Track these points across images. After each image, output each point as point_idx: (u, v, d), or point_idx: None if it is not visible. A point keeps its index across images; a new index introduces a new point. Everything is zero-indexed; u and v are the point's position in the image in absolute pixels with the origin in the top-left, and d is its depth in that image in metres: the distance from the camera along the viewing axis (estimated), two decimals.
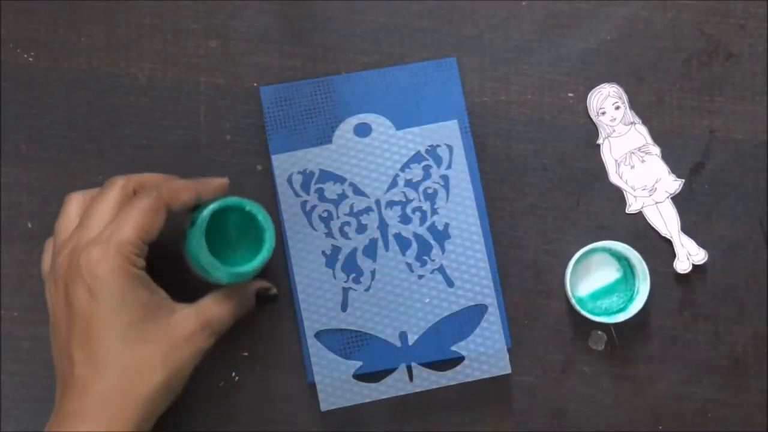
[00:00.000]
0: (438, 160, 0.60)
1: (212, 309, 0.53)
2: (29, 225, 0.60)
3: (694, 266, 0.60)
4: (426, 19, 0.61)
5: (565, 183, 0.61)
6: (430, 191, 0.60)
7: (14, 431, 0.60)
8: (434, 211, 0.59)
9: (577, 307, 0.58)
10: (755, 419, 0.60)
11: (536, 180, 0.61)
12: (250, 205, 0.53)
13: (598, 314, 0.59)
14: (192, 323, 0.51)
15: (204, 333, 0.52)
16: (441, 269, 0.59)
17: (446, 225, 0.59)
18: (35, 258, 0.60)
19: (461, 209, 0.59)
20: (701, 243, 0.61)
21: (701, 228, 0.61)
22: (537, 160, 0.61)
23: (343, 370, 0.58)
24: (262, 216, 0.53)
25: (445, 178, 0.60)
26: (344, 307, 0.59)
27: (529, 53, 0.62)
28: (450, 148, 0.60)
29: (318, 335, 0.58)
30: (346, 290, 0.59)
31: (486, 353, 0.58)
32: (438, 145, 0.60)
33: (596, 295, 0.60)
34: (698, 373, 0.61)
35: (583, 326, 0.60)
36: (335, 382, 0.58)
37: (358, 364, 0.58)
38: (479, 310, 0.59)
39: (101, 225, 0.50)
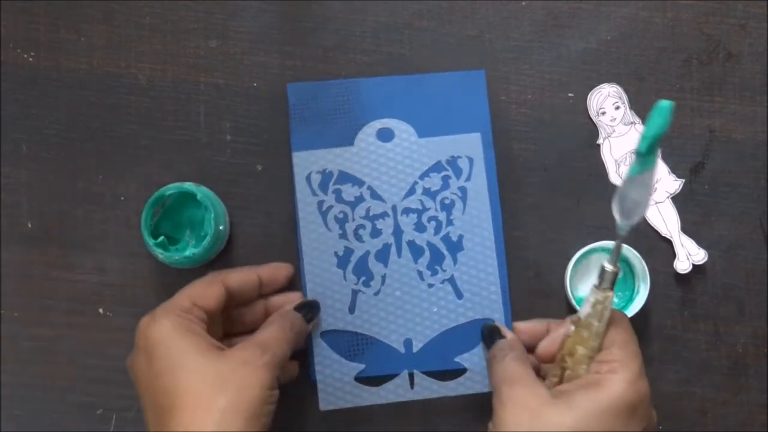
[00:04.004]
0: (458, 172, 0.59)
1: (259, 334, 0.53)
2: (29, 225, 0.60)
3: (694, 266, 0.60)
4: (426, 19, 0.61)
5: (565, 183, 0.61)
6: (447, 202, 0.59)
7: (14, 431, 0.60)
8: (449, 222, 0.59)
9: (578, 307, 0.58)
10: (755, 419, 0.60)
11: (536, 180, 0.61)
12: (201, 194, 0.56)
13: None
14: (244, 348, 0.51)
15: (257, 353, 0.50)
16: (451, 280, 0.59)
17: (460, 237, 0.59)
18: (35, 258, 0.60)
19: (477, 222, 0.59)
20: (701, 243, 0.61)
21: (701, 228, 0.61)
22: (537, 160, 0.61)
23: (346, 372, 0.58)
24: (206, 200, 0.56)
25: (463, 190, 0.59)
26: (352, 309, 0.59)
27: (529, 53, 0.62)
28: (471, 160, 0.59)
29: (324, 335, 0.58)
30: (355, 292, 0.59)
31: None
32: (459, 157, 0.59)
33: None
34: (698, 373, 0.61)
35: None
36: (336, 383, 0.58)
37: (361, 366, 0.58)
38: (484, 323, 0.59)
39: None
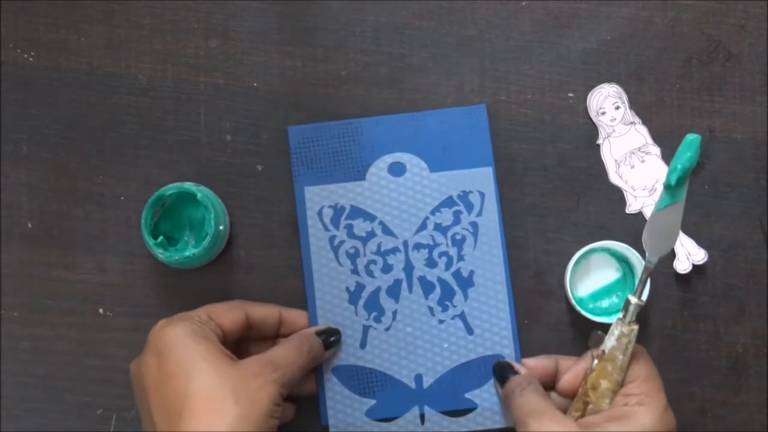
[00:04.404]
0: (469, 207, 0.59)
1: (274, 350, 0.53)
2: (29, 225, 0.60)
3: (694, 266, 0.60)
4: (426, 19, 0.61)
5: (565, 183, 0.61)
6: (458, 237, 0.59)
7: (14, 431, 0.60)
8: (460, 258, 0.59)
9: (577, 307, 0.58)
10: (755, 419, 0.60)
11: (536, 180, 0.61)
12: (201, 194, 0.57)
13: (598, 314, 0.59)
14: (257, 361, 0.51)
15: (269, 368, 0.51)
16: (462, 316, 0.59)
17: (471, 272, 0.59)
18: (35, 258, 0.60)
19: (488, 258, 0.59)
20: (701, 243, 0.61)
21: (701, 228, 0.61)
22: (537, 160, 0.61)
23: (357, 407, 0.58)
24: (207, 202, 0.56)
25: (474, 225, 0.59)
26: (363, 344, 0.59)
27: (529, 53, 0.62)
28: (482, 194, 0.59)
29: (335, 370, 0.59)
30: (366, 328, 0.59)
31: (499, 403, 0.58)
32: (470, 191, 0.59)
33: (596, 295, 0.60)
34: (698, 373, 0.61)
35: (583, 326, 0.60)
36: (348, 418, 0.58)
37: (372, 402, 0.58)
38: (496, 360, 0.59)
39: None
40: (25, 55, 0.61)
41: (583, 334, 0.60)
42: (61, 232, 0.60)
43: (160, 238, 0.56)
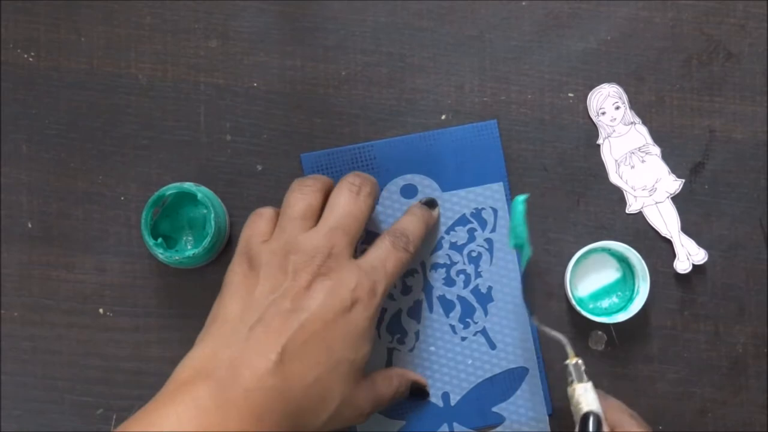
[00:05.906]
0: (483, 224, 0.59)
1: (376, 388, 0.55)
2: (29, 225, 0.60)
3: (694, 266, 0.60)
4: (426, 19, 0.61)
5: (565, 183, 0.61)
6: (474, 254, 0.59)
7: (14, 431, 0.60)
8: (478, 274, 0.59)
9: (577, 307, 0.58)
10: (755, 419, 0.60)
11: (536, 180, 0.61)
12: (202, 194, 0.57)
13: (598, 314, 0.59)
14: (366, 399, 0.53)
15: (368, 409, 0.53)
16: (484, 332, 0.59)
17: (489, 288, 0.59)
18: (35, 258, 0.60)
19: (504, 273, 0.59)
20: (701, 243, 0.61)
21: (701, 228, 0.61)
22: (537, 160, 0.61)
23: (387, 429, 0.58)
24: (207, 202, 0.56)
25: (489, 242, 0.59)
26: (389, 366, 0.59)
27: (529, 53, 0.62)
28: (495, 210, 0.60)
29: None
30: (390, 350, 0.59)
31: (526, 415, 0.59)
32: (483, 208, 0.60)
33: (596, 295, 0.60)
34: (698, 373, 0.61)
35: (583, 326, 0.60)
36: None
37: (402, 423, 0.59)
38: (520, 372, 0.59)
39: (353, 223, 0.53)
40: (25, 55, 0.61)
41: (583, 334, 0.60)
42: (61, 232, 0.60)
43: (160, 238, 0.56)
